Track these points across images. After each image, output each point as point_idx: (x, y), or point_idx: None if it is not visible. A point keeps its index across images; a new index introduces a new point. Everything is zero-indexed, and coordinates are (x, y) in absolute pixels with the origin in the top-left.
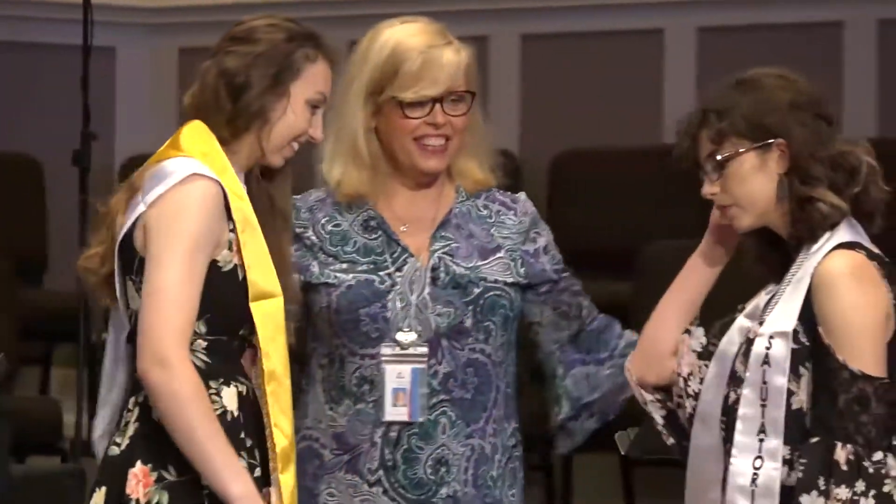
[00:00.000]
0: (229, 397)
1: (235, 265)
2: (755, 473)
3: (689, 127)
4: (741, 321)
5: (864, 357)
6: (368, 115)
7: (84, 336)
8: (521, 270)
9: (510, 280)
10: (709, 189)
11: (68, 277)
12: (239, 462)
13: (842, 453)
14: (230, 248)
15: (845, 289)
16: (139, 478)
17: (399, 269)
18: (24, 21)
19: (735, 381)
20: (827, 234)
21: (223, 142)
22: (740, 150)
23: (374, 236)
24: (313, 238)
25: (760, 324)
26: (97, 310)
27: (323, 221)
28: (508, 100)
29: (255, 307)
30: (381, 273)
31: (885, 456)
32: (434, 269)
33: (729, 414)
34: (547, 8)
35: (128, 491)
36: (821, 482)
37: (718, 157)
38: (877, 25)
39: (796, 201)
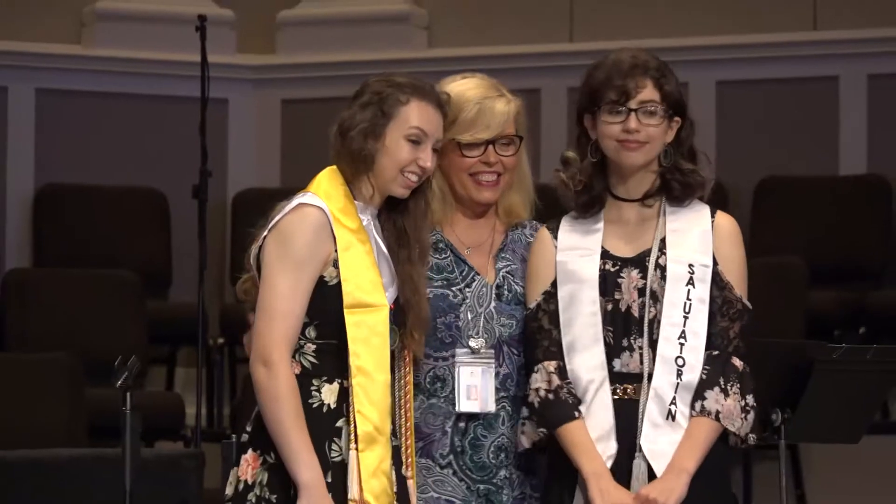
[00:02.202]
0: (329, 392)
1: (340, 280)
2: (679, 370)
3: (634, 70)
4: (587, 261)
5: (746, 294)
6: None
7: (202, 340)
8: None
9: None
10: (635, 125)
11: (189, 291)
12: (313, 455)
13: (739, 364)
14: (335, 266)
15: (740, 241)
16: (249, 462)
17: (468, 286)
18: (152, 77)
19: (649, 296)
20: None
21: (348, 183)
22: (665, 110)
23: (443, 256)
24: None
25: (661, 254)
26: (213, 318)
27: None
28: (707, 138)
29: (348, 314)
30: (453, 288)
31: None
32: (499, 286)
33: (620, 321)
34: (739, 59)
35: (239, 474)
36: (721, 382)
37: (657, 109)
38: (867, 79)
39: (677, 169)
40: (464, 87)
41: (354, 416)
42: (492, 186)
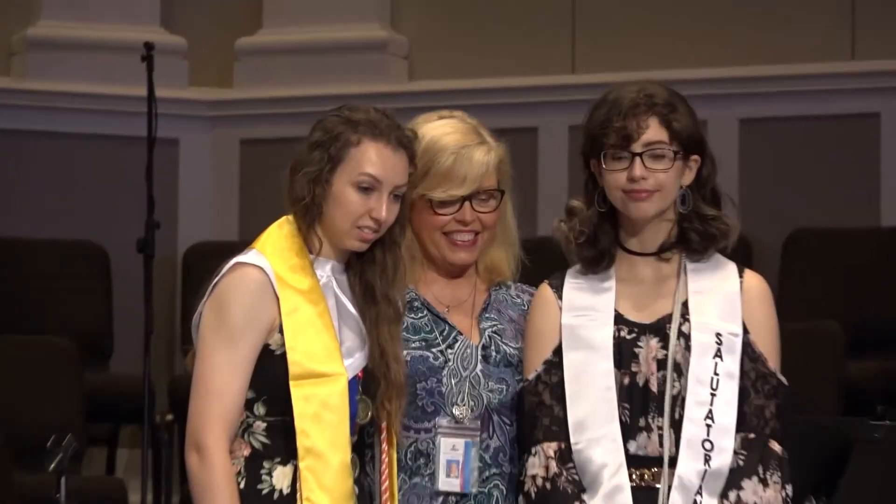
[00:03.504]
0: (281, 476)
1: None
2: (707, 455)
3: (635, 109)
4: (601, 323)
5: (779, 367)
6: None
7: (148, 418)
8: None
9: None
10: (641, 172)
11: (134, 361)
12: None
13: (777, 449)
14: (281, 332)
15: (772, 306)
16: None
17: (450, 347)
18: (92, 114)
19: (672, 369)
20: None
21: (302, 234)
22: (676, 151)
23: (419, 316)
24: None
25: (684, 320)
26: (161, 392)
27: None
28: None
29: (294, 386)
30: (433, 350)
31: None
32: (485, 347)
33: (637, 397)
34: (764, 93)
35: None
36: (760, 470)
37: (666, 151)
38: None
39: (697, 216)
40: (439, 133)
41: None
42: (468, 247)
